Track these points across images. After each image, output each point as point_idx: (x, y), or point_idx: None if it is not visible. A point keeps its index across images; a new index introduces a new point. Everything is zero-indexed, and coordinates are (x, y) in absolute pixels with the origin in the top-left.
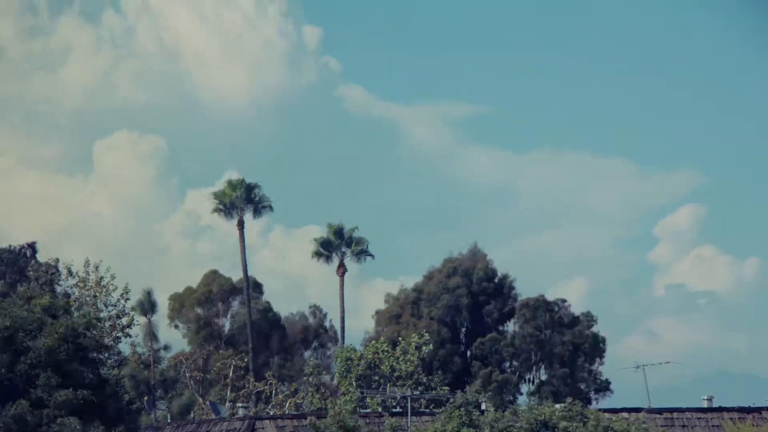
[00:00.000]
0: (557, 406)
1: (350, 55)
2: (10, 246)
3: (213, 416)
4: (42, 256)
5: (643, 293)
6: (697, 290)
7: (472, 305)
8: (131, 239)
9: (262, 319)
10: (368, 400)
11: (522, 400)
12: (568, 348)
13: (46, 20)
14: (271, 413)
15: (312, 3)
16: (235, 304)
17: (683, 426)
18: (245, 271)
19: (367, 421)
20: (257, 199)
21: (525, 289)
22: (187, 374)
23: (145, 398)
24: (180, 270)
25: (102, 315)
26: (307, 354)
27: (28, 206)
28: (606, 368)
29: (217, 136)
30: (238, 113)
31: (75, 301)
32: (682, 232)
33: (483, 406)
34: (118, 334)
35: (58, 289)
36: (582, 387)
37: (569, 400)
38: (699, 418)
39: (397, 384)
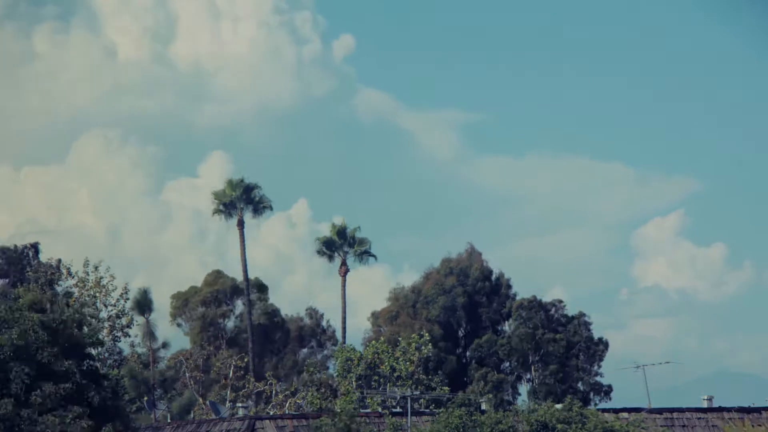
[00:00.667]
0: (557, 406)
1: (363, 63)
2: (14, 246)
3: (213, 416)
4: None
5: (638, 296)
6: (688, 292)
7: (468, 305)
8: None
9: (266, 320)
10: (368, 400)
11: (521, 400)
12: (563, 346)
13: None
14: (271, 413)
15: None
16: (239, 304)
17: (683, 426)
18: (245, 270)
19: (367, 421)
20: (257, 199)
21: (521, 291)
22: (187, 374)
23: (145, 398)
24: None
25: (102, 315)
26: (305, 353)
27: None
28: (605, 368)
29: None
30: (242, 119)
31: (75, 301)
32: (675, 235)
33: (483, 407)
34: (117, 334)
35: (59, 289)
36: (580, 387)
37: (568, 400)
38: (699, 418)
39: (397, 384)
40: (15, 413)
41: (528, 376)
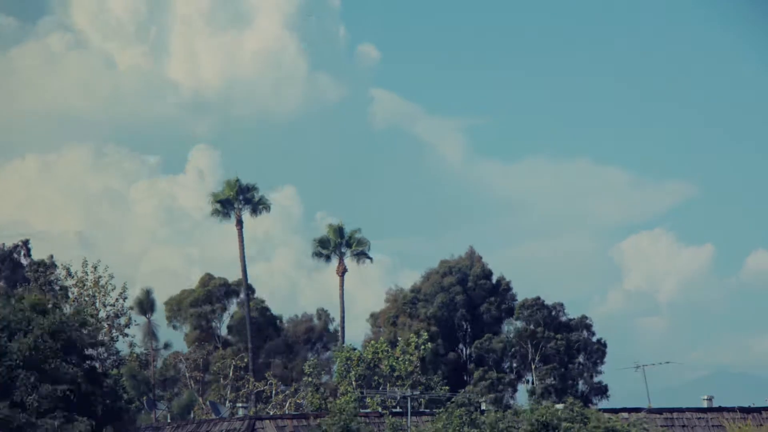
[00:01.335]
0: (558, 406)
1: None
2: (3, 245)
3: (213, 416)
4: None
5: (638, 296)
6: (688, 292)
7: (468, 304)
8: None
9: (260, 318)
10: (368, 400)
11: (522, 400)
12: (563, 346)
13: None
14: (271, 413)
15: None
16: (232, 304)
17: (683, 426)
18: (244, 270)
19: (367, 421)
20: (256, 199)
21: (521, 292)
22: (187, 374)
23: (145, 398)
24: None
25: (101, 315)
26: (309, 355)
27: None
28: (605, 368)
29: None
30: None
31: (74, 301)
32: (674, 236)
33: (483, 406)
34: (116, 334)
35: (57, 288)
36: (580, 387)
37: (569, 400)
38: (699, 418)
39: (397, 384)
40: (13, 416)
41: (528, 376)
